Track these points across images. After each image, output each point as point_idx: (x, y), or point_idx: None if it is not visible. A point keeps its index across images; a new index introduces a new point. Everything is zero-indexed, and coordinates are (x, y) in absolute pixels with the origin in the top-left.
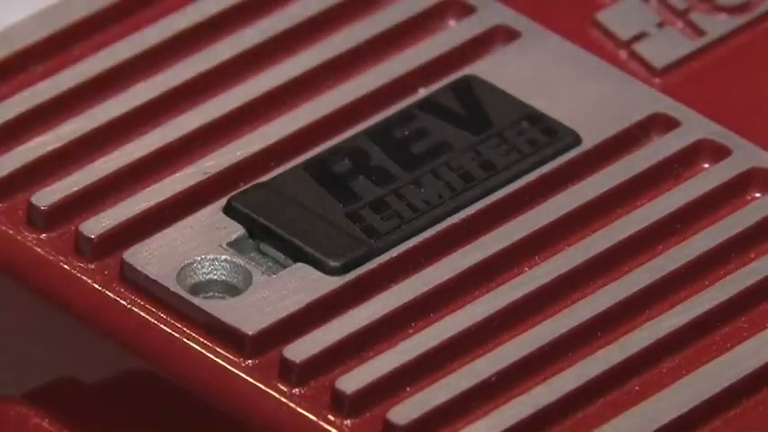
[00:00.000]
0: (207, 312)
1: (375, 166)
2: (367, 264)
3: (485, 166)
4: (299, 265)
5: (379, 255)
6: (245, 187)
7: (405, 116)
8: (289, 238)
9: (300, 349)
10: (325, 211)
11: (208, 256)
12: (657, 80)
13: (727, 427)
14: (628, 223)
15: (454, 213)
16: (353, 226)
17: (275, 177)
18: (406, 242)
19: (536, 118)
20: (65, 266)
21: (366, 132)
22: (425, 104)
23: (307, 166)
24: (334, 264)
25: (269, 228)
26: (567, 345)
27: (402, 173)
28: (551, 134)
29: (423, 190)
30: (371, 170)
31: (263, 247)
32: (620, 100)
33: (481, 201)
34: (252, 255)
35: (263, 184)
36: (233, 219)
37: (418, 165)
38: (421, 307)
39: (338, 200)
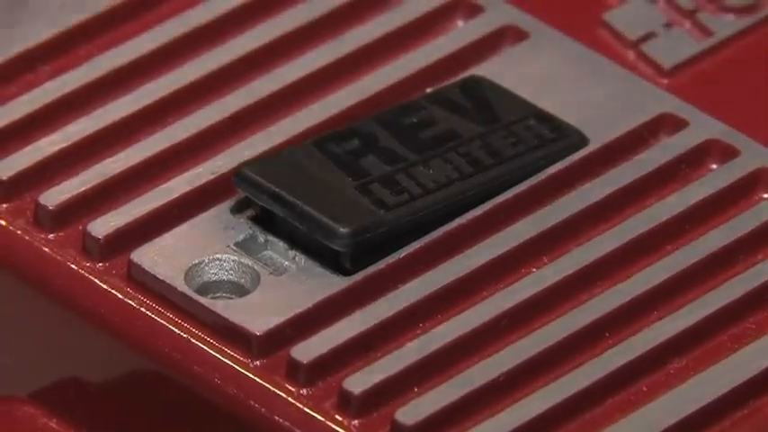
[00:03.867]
0: (214, 312)
1: (384, 147)
2: (374, 264)
3: (492, 154)
4: (307, 265)
5: (387, 226)
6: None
7: (413, 107)
8: (299, 205)
9: (308, 349)
10: (335, 183)
11: (215, 257)
12: (665, 80)
13: (735, 427)
14: (635, 224)
15: (462, 195)
16: (363, 198)
17: (285, 150)
18: (412, 245)
19: (544, 118)
20: (72, 266)
21: (375, 118)
22: (433, 98)
23: (316, 142)
24: (343, 230)
25: (278, 194)
26: (575, 345)
27: (411, 155)
28: (559, 134)
29: (431, 171)
30: (381, 151)
31: (271, 245)
32: (628, 100)
33: (489, 202)
34: (260, 255)
35: (273, 155)
36: (241, 187)
37: (427, 149)
38: (428, 307)
39: (348, 175)
